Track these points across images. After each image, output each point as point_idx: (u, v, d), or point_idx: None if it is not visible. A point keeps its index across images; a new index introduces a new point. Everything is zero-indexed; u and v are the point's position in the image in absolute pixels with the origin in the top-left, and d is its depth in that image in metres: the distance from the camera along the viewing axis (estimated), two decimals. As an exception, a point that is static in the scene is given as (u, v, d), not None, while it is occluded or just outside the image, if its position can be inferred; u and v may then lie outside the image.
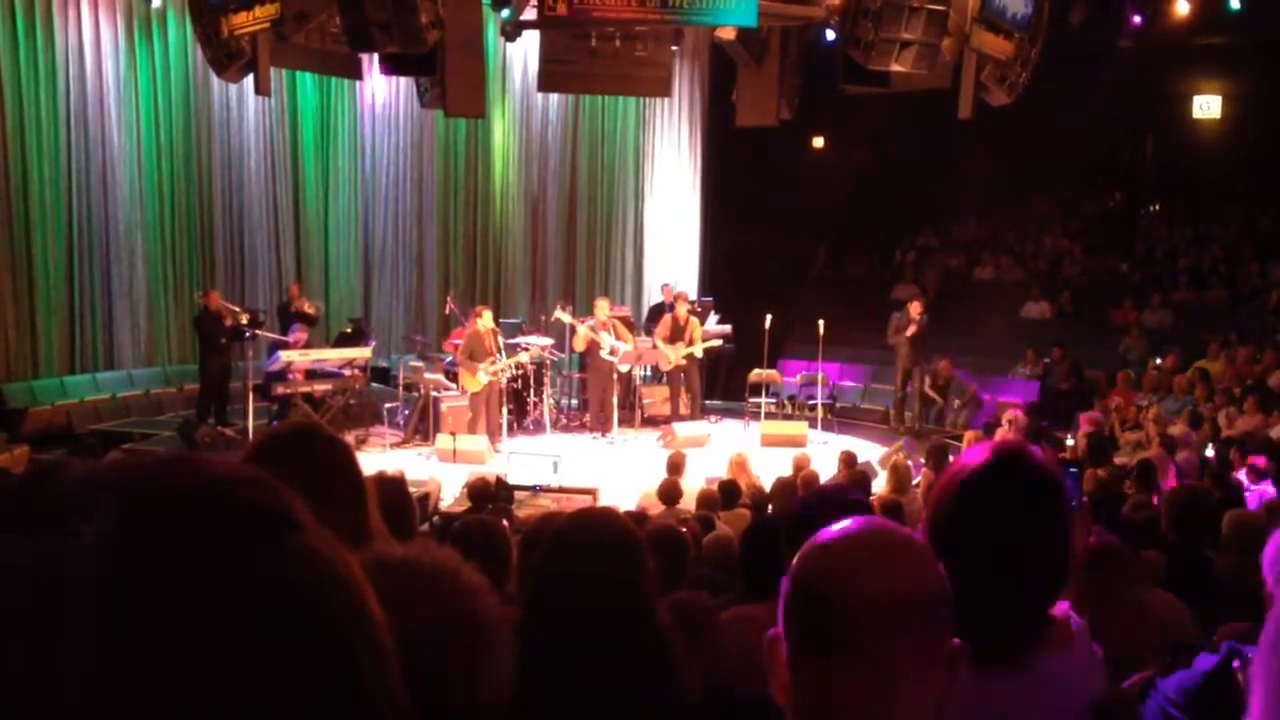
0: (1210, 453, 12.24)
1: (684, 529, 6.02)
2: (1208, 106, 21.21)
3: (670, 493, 9.18)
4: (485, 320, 14.25)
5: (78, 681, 0.61)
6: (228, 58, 12.32)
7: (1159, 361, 16.43)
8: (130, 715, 0.61)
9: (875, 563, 1.25)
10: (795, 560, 1.31)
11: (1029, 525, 1.75)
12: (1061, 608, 1.87)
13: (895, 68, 11.82)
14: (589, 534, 2.16)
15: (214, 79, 14.55)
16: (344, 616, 0.68)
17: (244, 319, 14.52)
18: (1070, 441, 13.33)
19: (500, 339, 14.36)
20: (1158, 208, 22.62)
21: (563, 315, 15.25)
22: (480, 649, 1.35)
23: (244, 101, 16.27)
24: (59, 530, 0.64)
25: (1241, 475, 10.41)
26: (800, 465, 10.74)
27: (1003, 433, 12.59)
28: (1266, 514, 6.02)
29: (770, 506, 8.75)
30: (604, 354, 14.85)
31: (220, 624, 0.63)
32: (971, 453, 1.85)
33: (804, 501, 3.68)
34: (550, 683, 1.95)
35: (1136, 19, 16.00)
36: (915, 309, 15.67)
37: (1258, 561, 2.72)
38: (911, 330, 15.55)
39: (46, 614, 0.61)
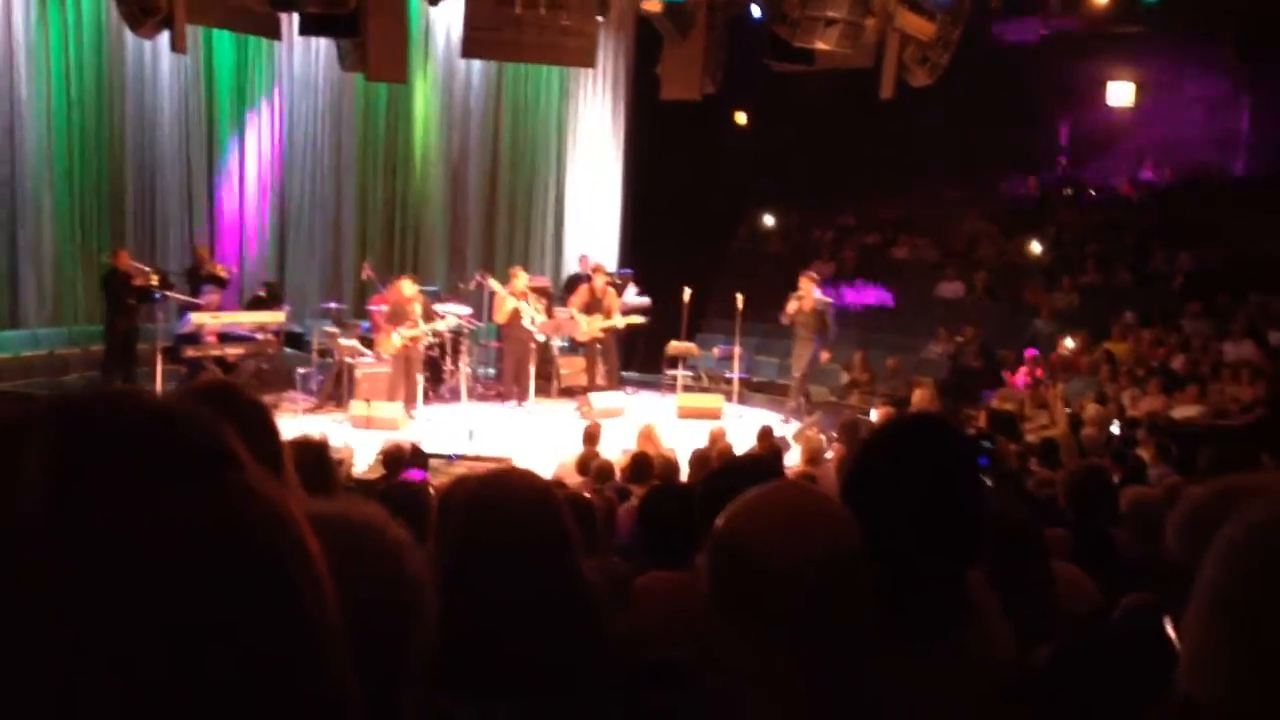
0: (1114, 431, 12.55)
1: (598, 499, 6.05)
2: (1122, 94, 21.59)
3: (587, 464, 9.20)
4: (408, 286, 14.14)
5: (20, 614, 0.60)
6: (143, 13, 12.02)
7: (1068, 343, 16.75)
8: (75, 645, 0.61)
9: (796, 524, 1.27)
10: (719, 523, 1.32)
11: (937, 483, 1.78)
12: (974, 580, 1.92)
13: (820, 45, 11.90)
14: (509, 491, 2.15)
15: (128, 35, 14.19)
16: (284, 549, 0.68)
17: (154, 280, 14.25)
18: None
19: (421, 306, 14.25)
20: (1071, 192, 23.00)
21: (493, 284, 15.16)
22: (408, 606, 1.36)
23: (158, 59, 15.90)
24: None
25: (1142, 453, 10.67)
26: (716, 438, 10.82)
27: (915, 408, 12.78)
28: (1165, 492, 6.17)
29: (687, 479, 8.80)
30: (525, 323, 14.81)
31: (160, 556, 0.63)
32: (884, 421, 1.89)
33: (718, 472, 3.72)
34: (474, 642, 1.96)
35: (1055, 5, 16.25)
36: (805, 284, 15.35)
37: (1157, 537, 2.79)
38: (794, 306, 15.17)
39: None
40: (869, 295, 19.92)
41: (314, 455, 3.19)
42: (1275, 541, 0.73)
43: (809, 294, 15.11)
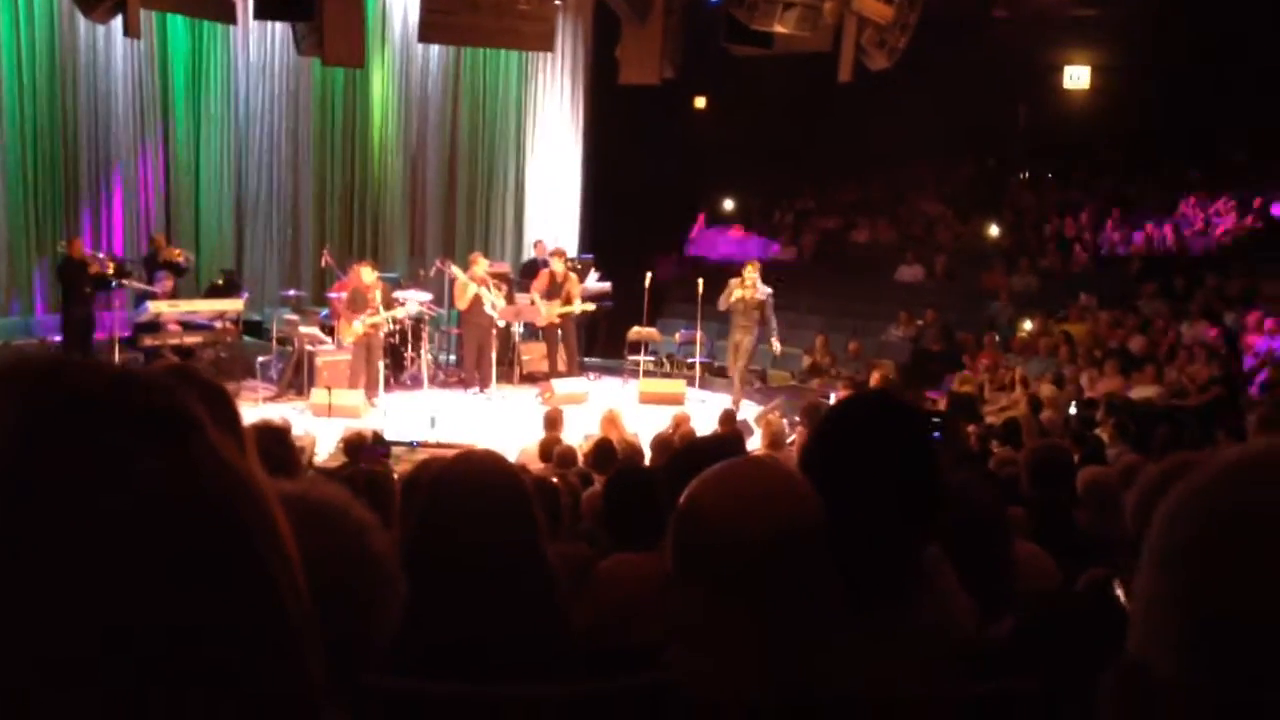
0: (1073, 411, 12.67)
1: (561, 484, 6.04)
2: (1078, 77, 21.74)
3: (549, 450, 9.19)
4: (367, 274, 14.06)
5: None
6: (95, -2, 11.90)
7: (1027, 325, 16.89)
8: (39, 610, 0.60)
9: (756, 496, 1.28)
10: (681, 498, 1.33)
11: (891, 455, 1.80)
12: (933, 555, 1.93)
13: (778, 29, 11.93)
14: (474, 474, 2.15)
15: (80, 20, 14.04)
16: (247, 514, 0.67)
17: (110, 268, 14.12)
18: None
19: (381, 293, 14.18)
20: (1027, 175, 23.17)
21: (454, 270, 15.09)
22: (371, 585, 1.35)
23: (112, 44, 15.71)
24: None
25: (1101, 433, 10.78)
26: (679, 423, 10.83)
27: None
28: (1122, 471, 6.23)
29: (650, 463, 8.81)
30: (486, 309, 14.76)
31: (119, 517, 0.62)
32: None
33: (681, 453, 3.72)
34: (438, 622, 1.95)
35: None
36: (750, 273, 14.64)
37: (1114, 515, 2.83)
38: (736, 295, 14.47)
39: None
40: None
41: (277, 440, 3.18)
42: (1213, 503, 0.73)
43: (754, 284, 14.53)
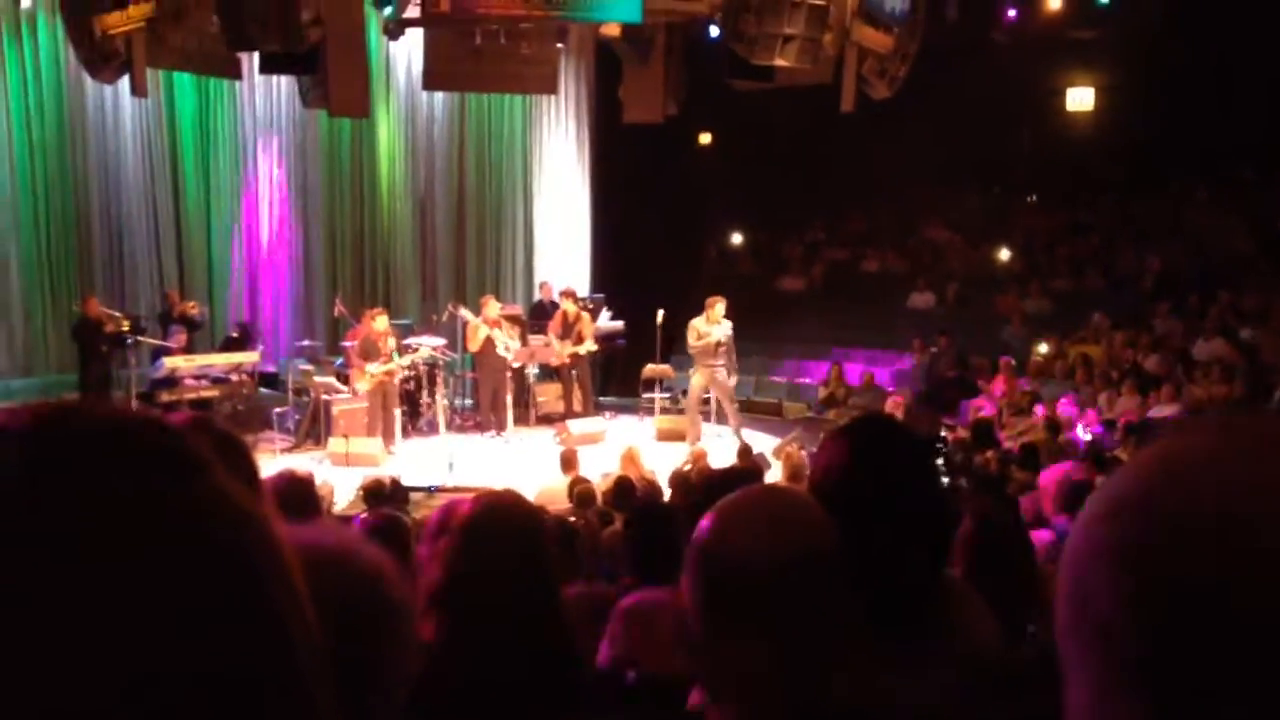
0: (1089, 434, 12.62)
1: (580, 523, 6.04)
2: (1081, 99, 21.77)
3: (568, 490, 9.17)
4: (380, 322, 14.11)
5: None
6: (102, 59, 12.01)
7: (1042, 348, 16.83)
8: (50, 650, 0.60)
9: (772, 523, 1.27)
10: (699, 528, 1.33)
11: (900, 477, 1.80)
12: (955, 578, 1.92)
13: (778, 62, 11.97)
14: (497, 516, 2.16)
15: (88, 80, 14.17)
16: (257, 556, 0.67)
17: (125, 325, 14.19)
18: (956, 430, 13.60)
19: (394, 340, 14.22)
20: (1035, 198, 23.17)
21: (465, 313, 15.14)
22: (386, 629, 1.35)
23: (120, 104, 15.87)
24: None
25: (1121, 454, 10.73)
26: (697, 458, 10.82)
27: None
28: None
29: (669, 499, 8.79)
30: (500, 352, 14.79)
31: (127, 559, 0.62)
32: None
33: (699, 487, 3.72)
34: (456, 666, 1.95)
35: (1010, 13, 16.38)
36: (720, 310, 14.04)
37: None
38: (722, 334, 13.93)
39: None
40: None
41: (299, 489, 3.18)
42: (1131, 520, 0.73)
43: (724, 322, 14.06)
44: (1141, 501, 0.74)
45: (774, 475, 10.61)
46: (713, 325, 13.96)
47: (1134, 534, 0.73)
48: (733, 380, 14.54)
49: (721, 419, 15.28)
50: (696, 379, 14.39)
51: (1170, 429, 0.83)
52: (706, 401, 14.84)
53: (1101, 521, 0.75)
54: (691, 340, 14.14)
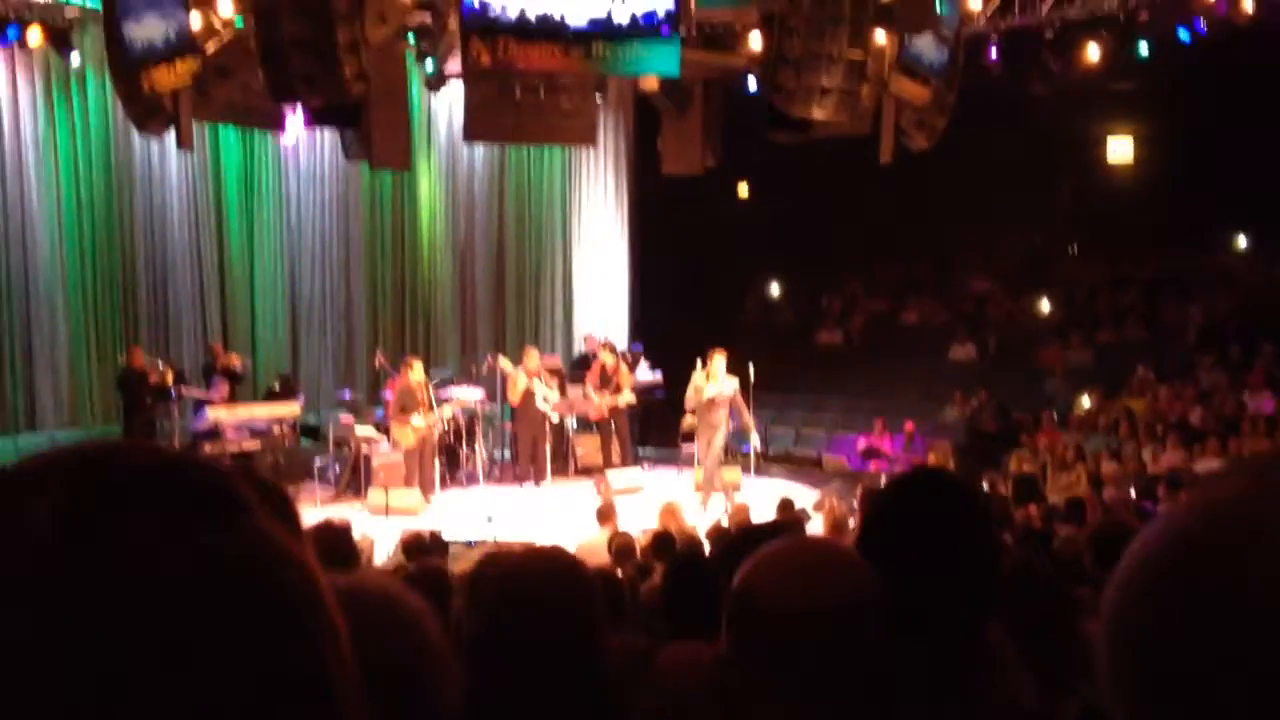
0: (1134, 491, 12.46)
1: (620, 576, 6.01)
2: (1121, 150, 21.71)
3: (608, 543, 9.13)
4: (417, 372, 14.18)
5: (28, 656, 0.60)
6: (148, 113, 12.20)
7: (1086, 403, 16.67)
8: (91, 684, 0.60)
9: (811, 574, 1.26)
10: (736, 578, 1.32)
11: (945, 537, 1.78)
12: (993, 633, 1.90)
13: (816, 115, 12.00)
14: (541, 568, 2.16)
15: (135, 135, 14.41)
16: (299, 596, 0.68)
17: (169, 376, 14.32)
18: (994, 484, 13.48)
19: (432, 391, 14.29)
20: (1076, 249, 23.07)
21: (504, 364, 15.19)
22: (425, 675, 1.34)
23: (166, 157, 16.12)
24: (10, 506, 0.63)
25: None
26: (738, 512, 10.77)
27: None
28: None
29: (708, 553, 8.73)
30: (539, 403, 14.81)
31: (170, 597, 0.63)
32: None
33: (738, 539, 3.70)
34: (500, 715, 1.94)
35: (1050, 66, 16.34)
36: (717, 365, 13.56)
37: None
38: (709, 394, 13.42)
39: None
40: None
41: (338, 538, 3.19)
42: (1161, 576, 0.72)
43: (726, 378, 13.63)
44: (1170, 561, 0.73)
45: (815, 528, 10.53)
46: (713, 380, 13.48)
47: (1160, 598, 0.72)
48: (756, 439, 14.40)
49: (762, 470, 15.23)
50: (701, 439, 13.80)
51: (1204, 480, 0.83)
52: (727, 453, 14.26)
53: (1133, 581, 0.74)
54: (689, 394, 13.74)
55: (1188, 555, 0.72)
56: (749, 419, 14.05)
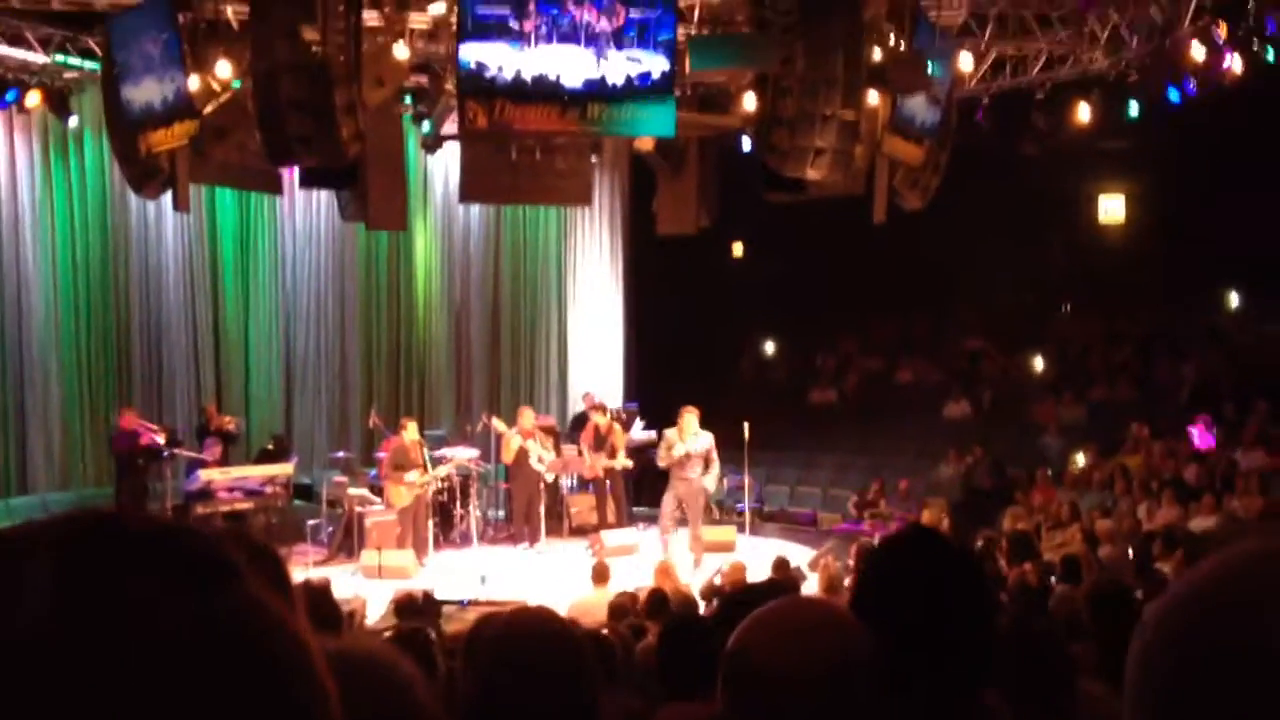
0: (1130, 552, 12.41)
1: (614, 636, 5.96)
2: (1112, 208, 21.87)
3: (602, 603, 9.09)
4: (411, 432, 14.16)
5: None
6: (145, 175, 12.28)
7: (1080, 460, 16.66)
8: None
9: (804, 634, 1.26)
10: (731, 639, 1.31)
11: (936, 597, 1.77)
12: (990, 697, 1.88)
13: (810, 174, 12.07)
14: (533, 630, 2.16)
15: (132, 196, 14.50)
16: (289, 662, 0.67)
17: (161, 438, 14.30)
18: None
19: (426, 451, 14.26)
20: (1068, 307, 23.16)
21: (498, 424, 15.17)
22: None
23: (162, 218, 16.17)
24: (4, 572, 0.64)
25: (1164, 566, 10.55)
26: (733, 571, 10.72)
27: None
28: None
29: (703, 613, 8.69)
30: (533, 463, 14.78)
31: (162, 664, 0.63)
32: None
33: (733, 599, 3.68)
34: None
35: (1040, 126, 16.47)
36: (689, 423, 13.30)
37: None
38: (678, 452, 13.15)
39: None
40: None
41: (317, 598, 3.17)
42: (1181, 647, 0.72)
43: (700, 434, 13.37)
44: (1188, 617, 0.73)
45: (810, 587, 10.49)
46: (686, 437, 13.25)
47: (1179, 653, 0.72)
48: (713, 488, 13.74)
49: (757, 529, 15.16)
50: (668, 493, 13.58)
51: (1219, 540, 0.83)
52: (681, 518, 13.73)
53: (1153, 638, 0.74)
54: (661, 452, 13.53)
55: (1204, 612, 0.72)
56: (716, 474, 13.68)
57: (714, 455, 13.50)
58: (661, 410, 17.75)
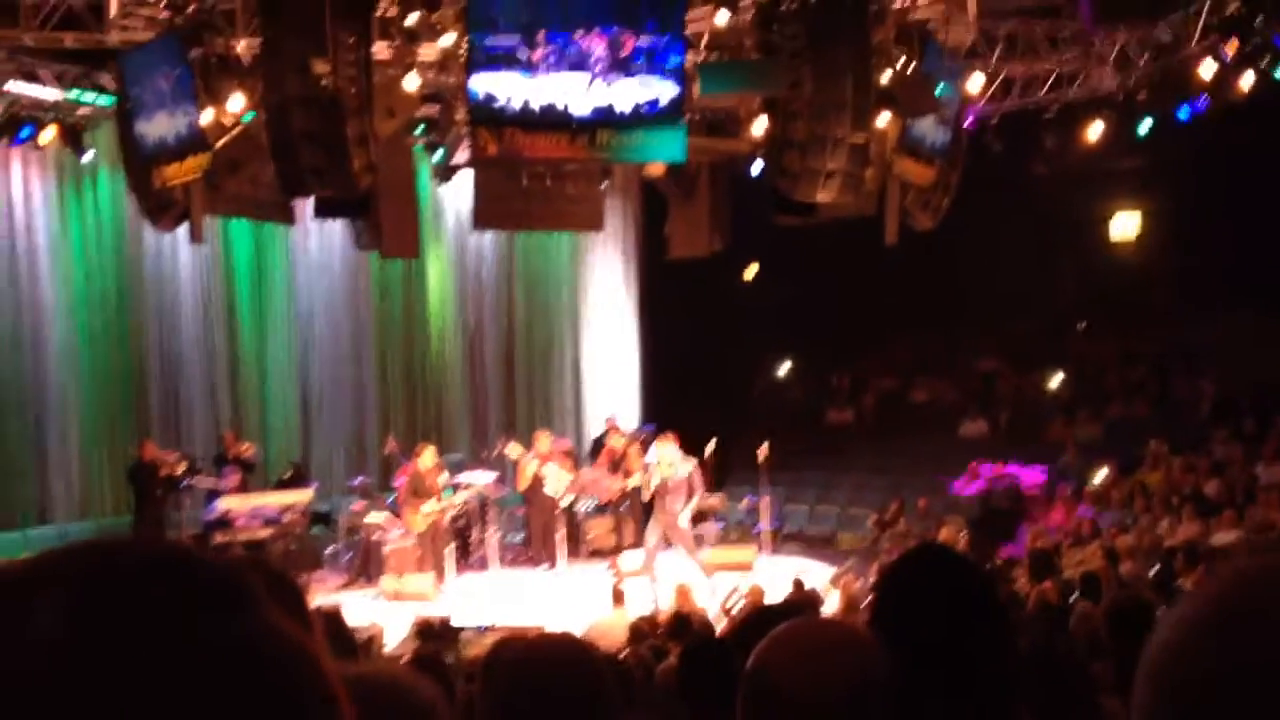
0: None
1: (634, 658, 5.97)
2: (1125, 226, 21.83)
3: (621, 625, 9.08)
4: (427, 458, 14.18)
5: None
6: (160, 208, 12.37)
7: (1100, 477, 16.59)
8: None
9: (821, 654, 1.27)
10: (750, 660, 1.33)
11: (957, 613, 1.77)
12: (1019, 715, 1.89)
13: (821, 197, 12.08)
14: (551, 655, 2.17)
15: (147, 229, 14.58)
16: (307, 687, 0.68)
17: (179, 468, 14.34)
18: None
19: (444, 475, 14.28)
20: (1084, 325, 23.09)
21: (511, 450, 15.18)
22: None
23: (177, 251, 16.25)
24: (20, 601, 0.64)
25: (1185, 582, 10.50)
26: (752, 593, 10.71)
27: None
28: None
29: (722, 634, 8.68)
30: (548, 489, 14.79)
31: (183, 693, 0.63)
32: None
33: (752, 620, 3.69)
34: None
35: (1049, 146, 16.47)
36: (670, 447, 13.14)
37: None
38: (656, 481, 12.96)
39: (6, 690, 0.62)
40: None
41: (330, 626, 3.18)
42: (1196, 658, 0.72)
43: (674, 461, 13.08)
44: (1205, 626, 0.74)
45: (829, 607, 10.46)
46: (664, 465, 12.97)
47: (1196, 663, 0.73)
48: (681, 508, 13.07)
49: (776, 548, 15.13)
50: (651, 524, 13.34)
51: (1237, 552, 0.84)
52: (668, 542, 13.38)
53: (1169, 647, 0.75)
54: (642, 481, 13.38)
55: (1221, 621, 0.72)
56: (698, 498, 13.43)
57: (696, 482, 13.14)
58: (678, 432, 17.76)
